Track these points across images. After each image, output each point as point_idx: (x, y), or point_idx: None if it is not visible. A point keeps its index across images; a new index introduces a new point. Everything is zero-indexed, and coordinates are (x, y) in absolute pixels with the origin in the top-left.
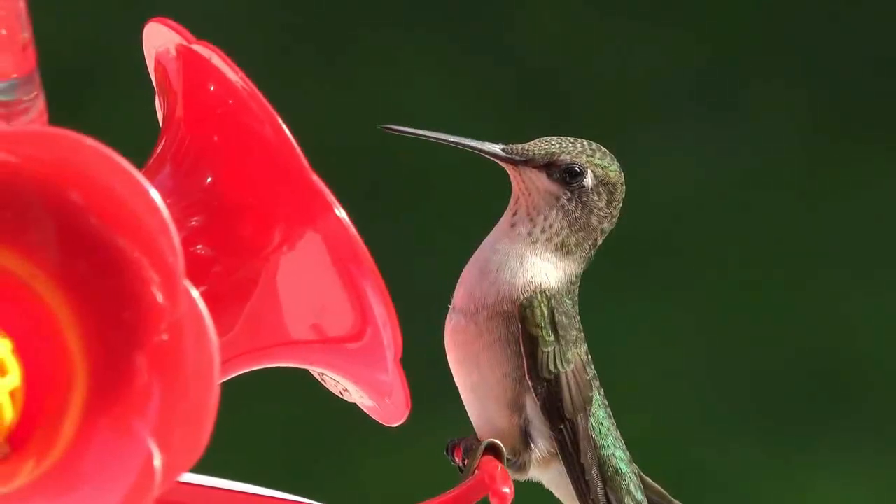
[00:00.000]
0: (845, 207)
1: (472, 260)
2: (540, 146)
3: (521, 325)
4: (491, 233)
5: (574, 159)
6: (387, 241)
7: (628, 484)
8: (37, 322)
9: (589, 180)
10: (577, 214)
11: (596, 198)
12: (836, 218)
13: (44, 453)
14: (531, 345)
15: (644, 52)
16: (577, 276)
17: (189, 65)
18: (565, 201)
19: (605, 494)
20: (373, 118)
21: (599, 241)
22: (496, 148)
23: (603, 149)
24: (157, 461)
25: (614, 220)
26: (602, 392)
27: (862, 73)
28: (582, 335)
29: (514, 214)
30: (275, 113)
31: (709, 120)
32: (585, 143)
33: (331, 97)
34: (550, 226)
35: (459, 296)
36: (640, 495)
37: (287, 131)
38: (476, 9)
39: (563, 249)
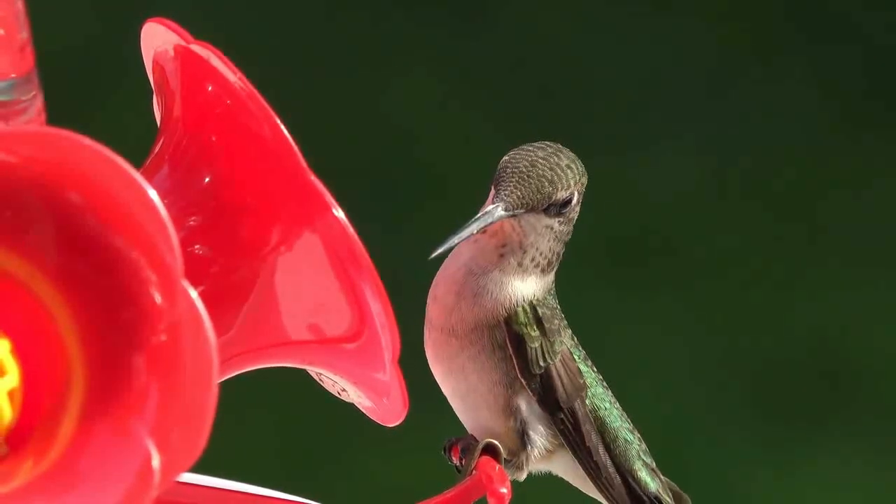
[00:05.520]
0: (844, 206)
1: (445, 276)
2: (531, 189)
3: (506, 328)
4: (465, 252)
5: (568, 192)
6: (385, 241)
7: (637, 450)
8: (35, 322)
9: (576, 199)
10: (565, 231)
11: (577, 209)
12: (836, 217)
13: (42, 453)
14: (519, 345)
15: (644, 51)
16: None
17: (187, 65)
18: (558, 228)
19: (617, 468)
20: (372, 118)
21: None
22: (500, 213)
23: (571, 155)
24: (156, 461)
25: None
26: (595, 369)
27: (861, 73)
28: (564, 322)
29: (504, 245)
30: (273, 113)
31: (709, 120)
32: (560, 159)
33: (329, 97)
34: (541, 253)
35: (435, 313)
36: (648, 458)
37: (285, 131)
38: (476, 7)
39: (549, 268)
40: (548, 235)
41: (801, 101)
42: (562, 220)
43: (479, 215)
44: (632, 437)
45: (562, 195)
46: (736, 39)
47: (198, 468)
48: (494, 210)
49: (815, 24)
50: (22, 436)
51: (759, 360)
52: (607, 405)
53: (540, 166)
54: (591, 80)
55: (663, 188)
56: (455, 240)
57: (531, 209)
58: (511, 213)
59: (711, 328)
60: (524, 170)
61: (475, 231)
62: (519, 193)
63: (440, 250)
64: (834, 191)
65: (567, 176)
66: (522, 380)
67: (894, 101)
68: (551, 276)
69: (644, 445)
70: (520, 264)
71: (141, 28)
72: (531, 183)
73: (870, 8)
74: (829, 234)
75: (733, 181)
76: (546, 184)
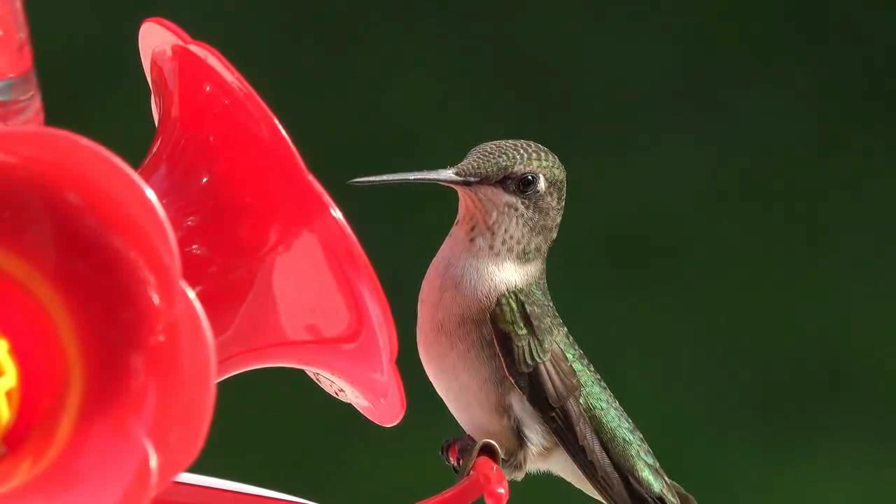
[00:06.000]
0: (844, 206)
1: (428, 277)
2: (489, 161)
3: (493, 325)
4: (444, 247)
5: (526, 168)
6: (383, 241)
7: (637, 450)
8: (33, 322)
9: (542, 185)
10: (535, 219)
11: (549, 199)
12: (836, 217)
13: (40, 453)
14: (505, 342)
15: (644, 51)
16: (541, 272)
17: (185, 65)
18: (523, 210)
19: (617, 467)
20: (372, 118)
21: (554, 235)
22: (449, 174)
23: (544, 148)
24: (154, 461)
25: (562, 212)
26: (592, 367)
27: (861, 73)
28: (558, 320)
29: (472, 229)
30: (271, 113)
31: (708, 120)
32: (529, 146)
33: (328, 97)
34: (511, 236)
35: (423, 312)
36: (651, 459)
37: (283, 131)
38: (476, 8)
39: (525, 256)
40: (513, 217)
41: (801, 101)
42: (526, 202)
43: (433, 174)
44: (632, 438)
45: (519, 169)
46: (736, 39)
47: (196, 468)
48: (445, 171)
49: (815, 24)
50: (20, 436)
51: (759, 360)
52: (604, 404)
53: (502, 146)
54: (591, 80)
55: (663, 188)
56: (387, 178)
57: (484, 179)
58: (463, 178)
59: (712, 328)
60: (486, 148)
61: (411, 179)
62: (474, 164)
63: (365, 180)
64: (834, 191)
65: (528, 155)
66: (510, 378)
67: (894, 101)
68: (533, 268)
69: (646, 446)
70: (491, 247)
71: (139, 28)
72: (488, 157)
73: (870, 8)
74: (829, 234)
75: (733, 181)
76: (501, 156)
